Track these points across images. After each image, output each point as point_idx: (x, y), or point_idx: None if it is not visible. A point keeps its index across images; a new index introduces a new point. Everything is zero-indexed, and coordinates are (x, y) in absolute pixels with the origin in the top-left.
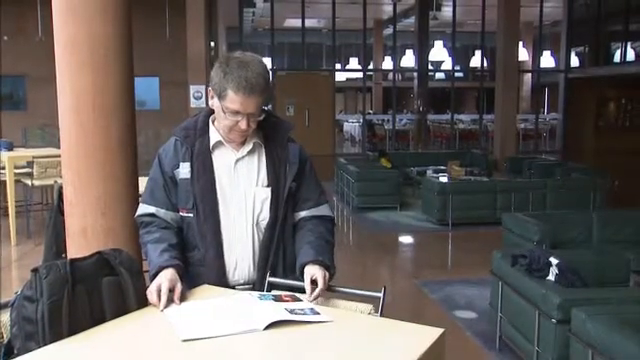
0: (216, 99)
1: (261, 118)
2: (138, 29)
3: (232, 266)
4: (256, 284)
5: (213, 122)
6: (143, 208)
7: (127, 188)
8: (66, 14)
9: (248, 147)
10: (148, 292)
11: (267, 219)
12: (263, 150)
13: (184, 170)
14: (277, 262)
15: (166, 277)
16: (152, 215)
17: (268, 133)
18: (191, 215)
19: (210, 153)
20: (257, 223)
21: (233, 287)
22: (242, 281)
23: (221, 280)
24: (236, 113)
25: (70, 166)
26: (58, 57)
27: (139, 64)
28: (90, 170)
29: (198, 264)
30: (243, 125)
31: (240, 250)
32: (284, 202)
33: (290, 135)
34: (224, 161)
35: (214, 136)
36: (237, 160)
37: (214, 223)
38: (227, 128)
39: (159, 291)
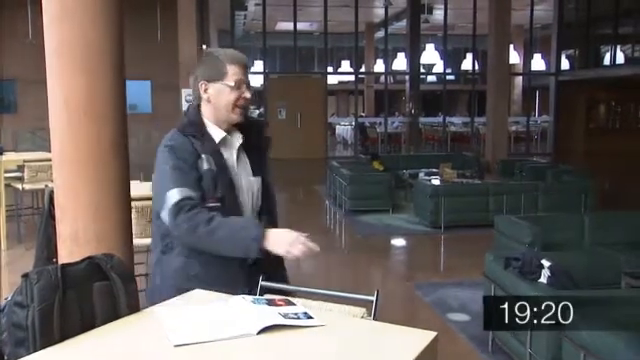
0: (213, 85)
1: (252, 91)
2: (130, 33)
3: None
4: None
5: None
6: (176, 193)
7: (119, 192)
8: (57, 18)
9: (238, 142)
10: (291, 251)
11: (259, 205)
12: (242, 145)
13: (208, 162)
14: None
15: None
16: (184, 199)
17: (244, 128)
18: (218, 204)
19: (219, 148)
20: (253, 210)
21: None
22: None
23: (242, 265)
24: (240, 84)
25: (61, 170)
26: (49, 61)
27: (131, 67)
28: (81, 174)
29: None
30: (248, 94)
31: None
32: (270, 189)
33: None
34: (229, 155)
35: (216, 132)
36: (238, 154)
37: (244, 212)
38: (232, 104)
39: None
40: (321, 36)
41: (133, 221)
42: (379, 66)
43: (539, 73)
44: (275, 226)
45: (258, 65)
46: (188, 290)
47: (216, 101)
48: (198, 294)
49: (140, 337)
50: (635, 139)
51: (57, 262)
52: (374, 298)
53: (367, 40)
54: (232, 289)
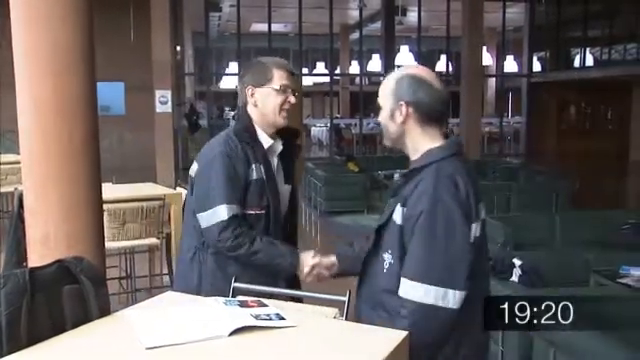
0: (260, 90)
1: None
2: (102, 33)
3: None
4: None
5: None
6: (225, 210)
7: (89, 193)
8: (25, 21)
9: (278, 149)
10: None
11: (287, 212)
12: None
13: (258, 171)
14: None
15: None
16: (233, 217)
17: (282, 135)
18: (262, 212)
19: (267, 155)
20: (284, 216)
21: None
22: None
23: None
24: (285, 88)
25: (31, 172)
26: (17, 63)
27: (104, 69)
28: (52, 176)
29: None
30: (293, 98)
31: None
32: (296, 196)
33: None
34: (274, 163)
35: (265, 139)
36: (277, 161)
37: (281, 219)
38: (278, 108)
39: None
40: (296, 37)
41: (105, 224)
42: (354, 68)
43: (511, 75)
44: (295, 229)
45: (233, 67)
46: (227, 290)
47: (263, 105)
48: (170, 296)
49: (111, 340)
50: (604, 140)
51: (27, 266)
52: (346, 298)
53: (342, 42)
54: (273, 285)
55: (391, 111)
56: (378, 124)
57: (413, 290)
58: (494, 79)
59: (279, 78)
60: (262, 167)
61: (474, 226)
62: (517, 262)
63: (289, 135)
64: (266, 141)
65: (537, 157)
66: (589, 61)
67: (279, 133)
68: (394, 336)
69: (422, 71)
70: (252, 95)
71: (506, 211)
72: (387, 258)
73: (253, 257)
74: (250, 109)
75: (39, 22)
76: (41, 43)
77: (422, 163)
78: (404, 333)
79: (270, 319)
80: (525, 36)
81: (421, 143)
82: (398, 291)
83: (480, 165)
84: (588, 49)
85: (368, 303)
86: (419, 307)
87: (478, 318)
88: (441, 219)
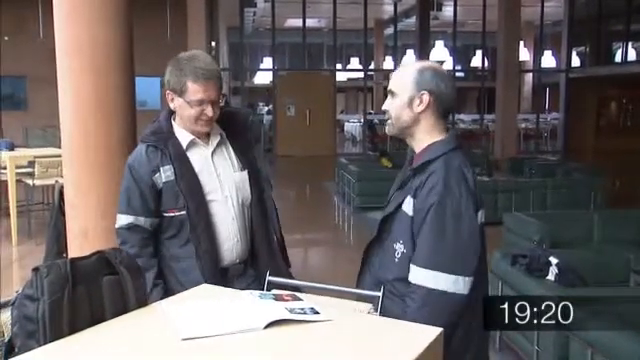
0: (177, 98)
1: (222, 104)
2: (139, 29)
3: (226, 250)
4: (247, 260)
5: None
6: (123, 219)
7: None
8: (67, 17)
9: (216, 139)
10: None
11: (249, 198)
12: (226, 139)
13: (166, 173)
14: (263, 235)
15: None
16: (130, 226)
17: (227, 122)
18: (183, 213)
19: (185, 152)
20: (242, 204)
21: (227, 269)
22: (238, 261)
23: (216, 266)
24: (200, 102)
25: (71, 167)
26: (59, 59)
27: (140, 64)
28: (91, 171)
29: (192, 257)
30: (209, 112)
31: (232, 233)
32: (260, 179)
33: (251, 118)
34: (200, 157)
35: (184, 136)
36: (212, 153)
37: (205, 216)
38: (193, 119)
39: None
40: (330, 33)
41: None
42: (388, 63)
43: (549, 70)
44: (267, 215)
45: (267, 62)
46: (177, 292)
47: (180, 113)
48: (205, 288)
49: (148, 331)
50: None
51: (67, 257)
52: (380, 294)
53: (376, 37)
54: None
55: (410, 99)
56: (384, 112)
57: (424, 277)
58: (531, 75)
59: (193, 92)
60: (174, 167)
61: (479, 213)
62: (554, 260)
63: (241, 118)
64: (185, 138)
65: (575, 154)
66: (631, 56)
67: (227, 118)
68: (429, 332)
69: (439, 65)
70: (172, 100)
71: (542, 208)
72: (399, 248)
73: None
74: (175, 112)
75: (81, 20)
76: (82, 40)
77: (431, 156)
78: (439, 329)
79: (305, 313)
80: (564, 30)
81: (429, 134)
82: (408, 277)
83: (516, 162)
84: (630, 43)
85: (373, 289)
86: (429, 293)
87: (480, 302)
88: (452, 209)
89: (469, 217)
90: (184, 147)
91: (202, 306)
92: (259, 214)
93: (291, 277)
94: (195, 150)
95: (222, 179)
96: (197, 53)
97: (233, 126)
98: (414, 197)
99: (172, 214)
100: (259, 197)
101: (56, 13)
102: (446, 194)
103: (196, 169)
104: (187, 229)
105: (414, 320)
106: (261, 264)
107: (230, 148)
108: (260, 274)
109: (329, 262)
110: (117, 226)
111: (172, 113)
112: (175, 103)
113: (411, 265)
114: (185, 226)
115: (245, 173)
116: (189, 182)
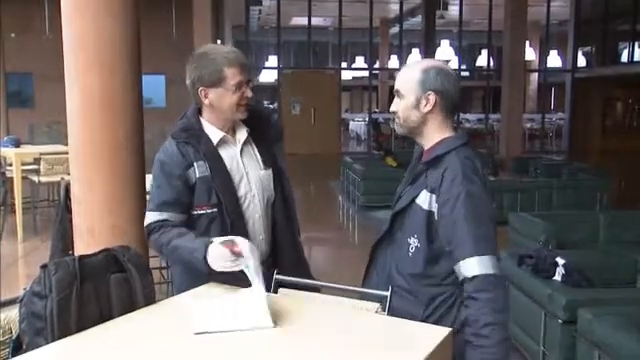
0: (213, 90)
1: (252, 86)
2: (144, 26)
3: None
4: (265, 262)
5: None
6: (154, 216)
7: (134, 186)
8: (73, 13)
9: (243, 137)
10: (222, 265)
11: (273, 197)
12: (250, 138)
13: (201, 169)
14: (288, 234)
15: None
16: (164, 221)
17: (252, 119)
18: (214, 210)
19: (217, 150)
20: (267, 203)
21: None
22: (262, 259)
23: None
24: (240, 85)
25: (77, 164)
26: (66, 56)
27: (145, 62)
28: (97, 168)
29: None
30: (249, 92)
31: (257, 231)
32: (283, 178)
33: (274, 116)
34: (229, 155)
35: (214, 133)
36: (241, 151)
37: (238, 213)
38: (235, 106)
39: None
40: (335, 31)
41: None
42: (393, 62)
43: (555, 70)
44: (290, 215)
45: (272, 60)
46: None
47: (219, 105)
48: (215, 285)
49: (156, 328)
50: None
51: (73, 254)
52: (388, 294)
53: (382, 36)
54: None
55: (416, 100)
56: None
57: (478, 265)
58: (537, 74)
59: (232, 77)
60: (207, 163)
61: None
62: (560, 261)
63: (265, 116)
64: (215, 135)
65: (580, 155)
66: (637, 56)
67: (251, 117)
68: (438, 332)
69: (442, 63)
70: (206, 96)
71: (548, 209)
72: (413, 242)
73: (175, 256)
74: (205, 108)
75: (88, 16)
76: (89, 36)
77: (442, 151)
78: (448, 329)
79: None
80: (570, 30)
81: (438, 132)
82: (462, 273)
83: (521, 162)
84: (637, 43)
85: (381, 287)
86: (486, 277)
87: None
88: (478, 197)
89: (490, 202)
90: (215, 144)
91: (214, 303)
92: (282, 213)
93: (312, 278)
94: (225, 147)
95: (250, 177)
96: (212, 45)
97: (257, 124)
98: (432, 192)
99: (202, 211)
100: (282, 196)
101: (63, 7)
102: (468, 183)
103: (228, 167)
104: (215, 227)
105: (491, 312)
106: (285, 263)
107: (254, 146)
108: (285, 273)
109: (334, 261)
110: (148, 223)
111: (199, 110)
112: (211, 96)
113: (460, 262)
114: (213, 223)
115: (269, 171)
116: (223, 179)
